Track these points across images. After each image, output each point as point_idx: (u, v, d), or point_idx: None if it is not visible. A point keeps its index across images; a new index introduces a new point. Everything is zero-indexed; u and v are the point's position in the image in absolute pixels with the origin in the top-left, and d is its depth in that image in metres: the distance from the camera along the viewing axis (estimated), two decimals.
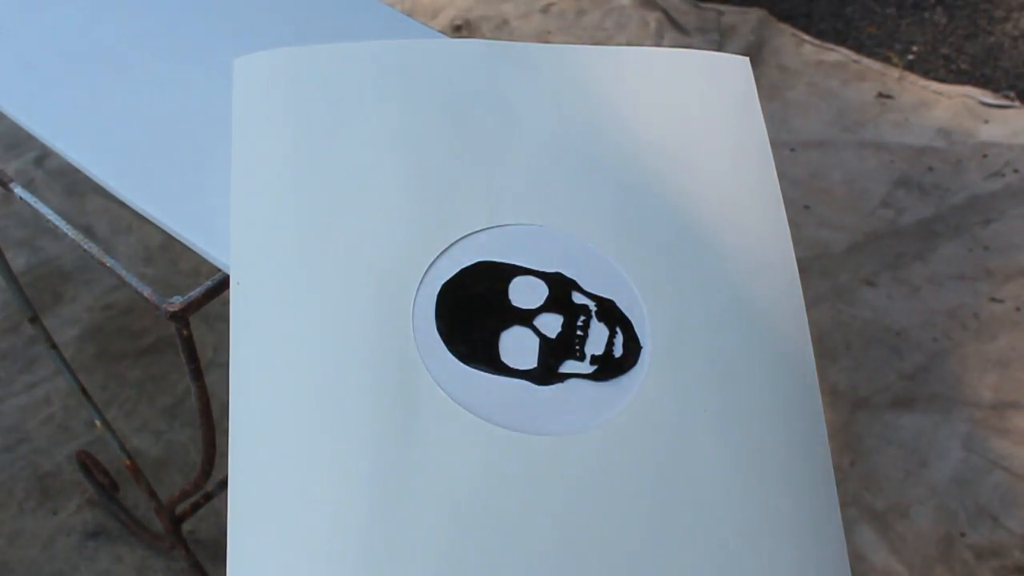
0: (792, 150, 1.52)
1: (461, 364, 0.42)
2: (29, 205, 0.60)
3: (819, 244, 1.39)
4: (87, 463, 1.01)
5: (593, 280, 0.46)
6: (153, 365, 1.21)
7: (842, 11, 1.84)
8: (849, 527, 1.09)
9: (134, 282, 0.57)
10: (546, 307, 0.44)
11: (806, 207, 1.44)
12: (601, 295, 0.45)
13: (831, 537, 0.44)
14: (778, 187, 0.51)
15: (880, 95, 1.62)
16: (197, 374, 0.62)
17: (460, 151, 0.47)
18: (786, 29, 1.75)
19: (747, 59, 0.54)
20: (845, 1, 1.86)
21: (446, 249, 0.45)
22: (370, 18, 0.70)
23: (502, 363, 0.43)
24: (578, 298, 0.45)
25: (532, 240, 0.46)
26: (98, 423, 0.89)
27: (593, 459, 0.41)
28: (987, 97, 1.61)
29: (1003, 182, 1.47)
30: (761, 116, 0.53)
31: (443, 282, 0.44)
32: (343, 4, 0.71)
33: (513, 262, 0.45)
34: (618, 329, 0.44)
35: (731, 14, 1.77)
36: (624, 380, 0.43)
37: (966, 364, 1.25)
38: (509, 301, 0.44)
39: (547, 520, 0.40)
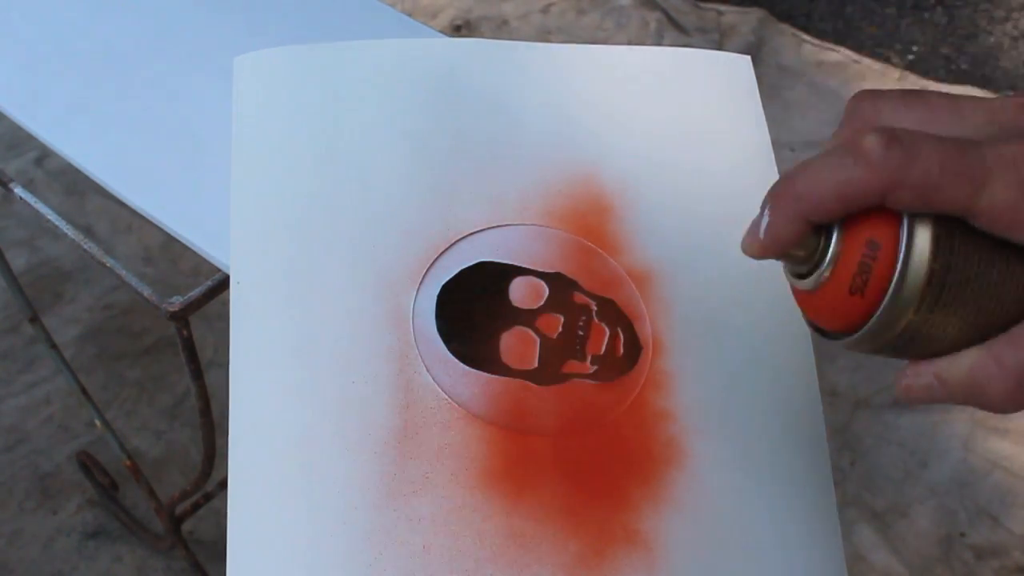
0: (792, 150, 1.52)
1: (461, 364, 0.42)
2: (29, 205, 0.60)
3: None
4: (87, 463, 1.01)
5: (593, 280, 0.45)
6: (153, 365, 1.21)
7: (842, 11, 1.84)
8: (849, 527, 1.09)
9: (134, 282, 0.57)
10: (546, 307, 0.44)
11: None
12: (601, 295, 0.45)
13: (828, 538, 0.44)
14: None
15: None
16: (197, 374, 0.62)
17: (460, 151, 0.47)
18: (786, 29, 1.75)
19: (748, 58, 0.54)
20: (845, 1, 1.86)
21: (446, 249, 0.45)
22: (370, 18, 0.70)
23: (502, 363, 0.43)
24: (578, 298, 0.45)
25: (532, 240, 0.46)
26: (98, 423, 0.89)
27: (593, 459, 0.41)
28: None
29: None
30: (763, 115, 0.52)
31: (443, 282, 0.44)
32: (343, 4, 0.71)
33: (513, 262, 0.45)
34: (619, 329, 0.44)
35: (731, 14, 1.76)
36: (624, 380, 0.43)
37: None
38: (509, 301, 0.44)
39: (546, 519, 0.40)
